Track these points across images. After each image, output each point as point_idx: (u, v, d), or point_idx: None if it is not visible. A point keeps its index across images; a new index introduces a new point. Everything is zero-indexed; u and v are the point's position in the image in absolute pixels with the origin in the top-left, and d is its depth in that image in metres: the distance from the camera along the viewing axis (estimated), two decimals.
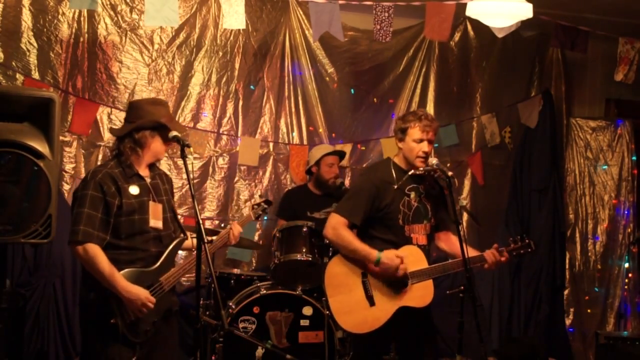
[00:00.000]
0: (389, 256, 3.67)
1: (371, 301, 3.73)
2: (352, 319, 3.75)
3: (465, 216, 5.47)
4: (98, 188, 3.27)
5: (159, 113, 3.42)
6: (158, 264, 3.38)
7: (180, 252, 4.69)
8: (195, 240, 3.41)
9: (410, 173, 3.77)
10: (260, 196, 4.45)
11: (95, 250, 3.22)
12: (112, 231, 3.29)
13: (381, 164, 4.00)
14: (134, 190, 3.35)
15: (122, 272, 3.24)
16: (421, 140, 3.71)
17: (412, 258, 3.72)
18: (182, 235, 3.56)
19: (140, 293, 3.25)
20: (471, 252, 3.68)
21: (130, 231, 3.32)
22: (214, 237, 3.72)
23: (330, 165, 5.31)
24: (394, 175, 3.79)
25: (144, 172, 3.44)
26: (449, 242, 3.95)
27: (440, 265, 3.74)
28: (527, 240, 3.82)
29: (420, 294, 3.71)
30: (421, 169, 3.74)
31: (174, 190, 5.33)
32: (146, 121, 3.39)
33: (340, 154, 5.47)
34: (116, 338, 3.24)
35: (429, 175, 3.82)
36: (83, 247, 3.21)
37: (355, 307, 3.73)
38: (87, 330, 3.39)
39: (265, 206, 4.23)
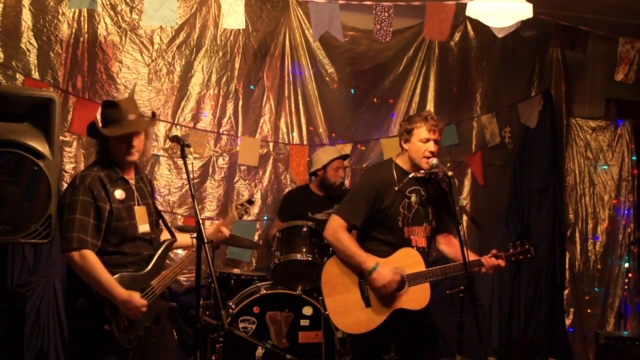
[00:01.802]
0: (382, 273, 3.64)
1: (367, 302, 3.72)
2: (347, 319, 3.74)
3: (465, 217, 5.46)
4: (88, 193, 3.18)
5: (107, 115, 3.32)
6: (149, 267, 3.34)
7: (179, 251, 4.69)
8: (187, 238, 3.39)
9: (411, 176, 3.76)
10: (243, 196, 4.43)
11: (92, 257, 3.14)
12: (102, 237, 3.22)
13: (382, 165, 3.98)
14: (119, 194, 3.28)
15: (115, 276, 3.18)
16: (427, 140, 3.71)
17: (409, 260, 3.71)
18: (170, 237, 3.51)
19: (133, 297, 3.19)
20: (470, 256, 3.64)
21: (120, 238, 3.25)
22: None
23: (337, 169, 5.31)
24: (395, 176, 3.77)
25: (128, 175, 3.36)
26: (449, 244, 3.93)
27: (438, 269, 3.72)
28: (526, 246, 3.78)
29: (416, 297, 3.70)
30: (422, 171, 3.74)
31: (174, 190, 5.41)
32: (90, 125, 3.32)
33: (345, 158, 5.49)
34: (109, 346, 3.18)
35: (431, 178, 3.82)
36: (79, 254, 3.13)
37: (350, 307, 3.72)
38: (78, 339, 3.29)
39: (248, 206, 4.22)
